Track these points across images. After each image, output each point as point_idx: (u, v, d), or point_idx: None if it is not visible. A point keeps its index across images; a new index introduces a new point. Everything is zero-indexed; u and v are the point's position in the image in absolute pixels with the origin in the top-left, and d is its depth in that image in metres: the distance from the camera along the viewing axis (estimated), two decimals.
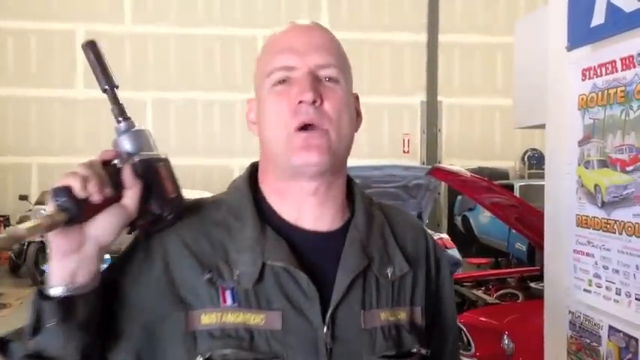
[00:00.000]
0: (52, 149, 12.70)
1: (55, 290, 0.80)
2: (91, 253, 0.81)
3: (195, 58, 12.89)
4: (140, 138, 0.89)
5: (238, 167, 12.17)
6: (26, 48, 12.60)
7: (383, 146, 13.04)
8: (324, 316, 0.87)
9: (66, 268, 0.80)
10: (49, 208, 0.78)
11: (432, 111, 13.21)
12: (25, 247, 9.43)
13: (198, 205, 0.95)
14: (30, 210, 10.05)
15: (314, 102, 0.87)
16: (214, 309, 0.86)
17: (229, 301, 0.86)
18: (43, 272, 8.40)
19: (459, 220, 12.18)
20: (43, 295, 0.80)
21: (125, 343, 0.85)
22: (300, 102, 0.87)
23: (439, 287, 1.03)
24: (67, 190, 0.77)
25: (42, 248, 9.30)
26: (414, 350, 0.94)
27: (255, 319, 0.86)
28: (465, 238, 11.06)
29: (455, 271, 4.13)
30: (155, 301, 0.87)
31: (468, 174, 4.07)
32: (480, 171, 10.25)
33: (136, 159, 0.86)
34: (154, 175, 0.87)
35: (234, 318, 0.86)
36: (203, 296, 0.87)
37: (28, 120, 12.61)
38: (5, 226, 10.76)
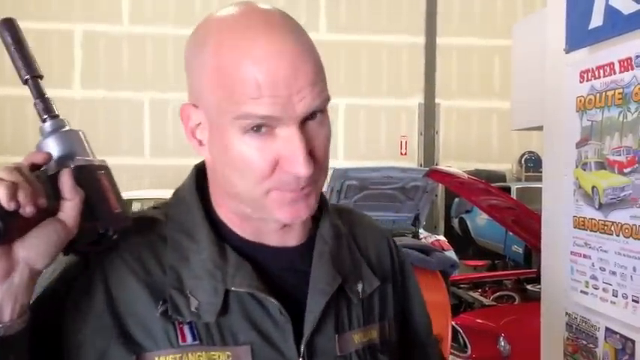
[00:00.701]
0: None
1: None
2: (21, 282, 0.63)
3: None
4: (72, 140, 0.72)
5: None
6: None
7: (380, 148, 13.04)
8: (297, 347, 0.76)
9: None
10: None
11: (429, 113, 13.22)
12: None
13: (141, 222, 0.79)
14: None
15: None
16: (171, 349, 0.72)
17: (189, 338, 0.73)
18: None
19: (455, 222, 12.19)
20: None
21: None
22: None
23: (406, 294, 0.96)
24: None
25: None
26: None
27: (220, 357, 0.73)
28: (462, 240, 11.06)
29: (451, 273, 4.13)
30: (98, 343, 0.72)
31: (466, 176, 4.08)
32: (477, 173, 10.26)
33: (72, 165, 0.69)
34: (96, 185, 0.71)
35: (195, 358, 0.72)
36: (156, 334, 0.73)
37: (25, 119, 12.58)
38: None
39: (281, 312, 0.76)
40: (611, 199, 1.82)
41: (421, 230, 6.81)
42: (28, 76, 0.75)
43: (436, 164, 12.02)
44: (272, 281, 0.78)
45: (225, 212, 0.81)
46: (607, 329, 1.89)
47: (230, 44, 0.70)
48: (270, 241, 0.81)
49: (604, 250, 1.87)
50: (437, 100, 13.27)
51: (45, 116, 0.74)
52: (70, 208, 0.66)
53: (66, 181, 0.67)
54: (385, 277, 0.90)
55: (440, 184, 6.53)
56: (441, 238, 7.43)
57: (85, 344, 0.72)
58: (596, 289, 1.92)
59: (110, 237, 0.72)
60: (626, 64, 1.77)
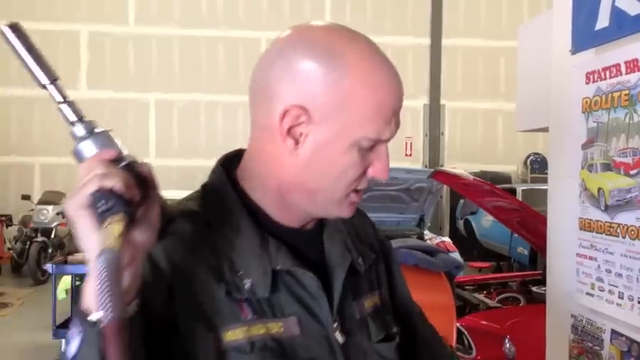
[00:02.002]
0: (55, 149, 12.70)
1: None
2: (140, 264, 0.72)
3: (199, 59, 12.91)
4: (108, 140, 0.73)
5: None
6: None
7: None
8: (331, 313, 0.89)
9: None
10: (87, 218, 0.66)
11: (434, 114, 13.20)
12: (27, 246, 9.44)
13: (187, 214, 0.87)
14: (32, 210, 10.06)
15: None
16: (237, 324, 0.82)
17: (249, 313, 0.83)
18: (45, 272, 8.41)
19: (461, 223, 12.16)
20: (86, 321, 0.68)
21: None
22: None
23: (389, 270, 1.09)
24: (112, 193, 0.66)
25: (44, 247, 9.31)
26: (395, 330, 1.00)
27: (275, 327, 0.84)
28: (467, 242, 11.04)
29: (456, 275, 4.12)
30: (184, 325, 0.80)
31: (471, 177, 4.06)
32: (482, 175, 10.24)
33: (126, 160, 0.72)
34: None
35: (257, 330, 0.82)
36: (223, 311, 0.82)
37: (31, 120, 12.62)
38: (7, 226, 10.77)
39: (317, 285, 0.87)
40: (617, 200, 1.82)
41: (426, 231, 6.80)
42: (48, 82, 0.73)
43: (441, 165, 12.01)
44: (303, 258, 0.89)
45: (265, 201, 0.89)
46: (613, 331, 1.89)
47: (371, 83, 0.82)
48: (295, 224, 0.92)
49: (610, 252, 1.86)
50: (442, 102, 13.25)
51: (74, 119, 0.74)
52: (157, 195, 0.74)
53: (148, 171, 0.73)
54: (376, 252, 1.05)
55: (445, 186, 6.51)
56: (446, 239, 7.42)
57: (174, 327, 0.80)
58: (601, 291, 1.91)
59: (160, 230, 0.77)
60: (633, 66, 1.76)
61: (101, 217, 0.65)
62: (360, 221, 1.06)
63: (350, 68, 0.81)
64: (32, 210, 10.06)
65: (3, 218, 10.78)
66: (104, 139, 0.73)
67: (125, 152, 0.74)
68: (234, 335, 0.81)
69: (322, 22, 0.87)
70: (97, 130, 0.73)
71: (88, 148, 0.72)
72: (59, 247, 9.70)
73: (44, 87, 0.73)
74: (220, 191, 0.90)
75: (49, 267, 5.95)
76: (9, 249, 10.38)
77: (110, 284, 0.62)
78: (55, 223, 9.82)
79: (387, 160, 0.86)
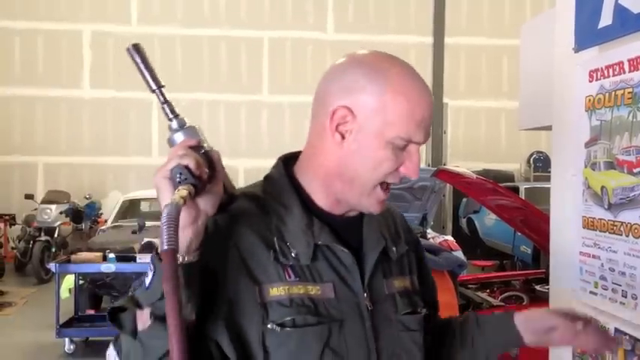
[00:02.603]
0: (58, 149, 12.73)
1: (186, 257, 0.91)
2: (202, 225, 0.93)
3: (201, 59, 12.91)
4: (195, 132, 0.96)
5: (243, 168, 12.17)
6: (33, 48, 12.64)
7: None
8: (362, 285, 1.07)
9: (185, 238, 0.90)
10: (167, 185, 0.88)
11: (437, 113, 13.18)
12: (30, 245, 9.46)
13: (248, 196, 1.09)
14: (35, 209, 10.08)
15: None
16: (281, 283, 1.02)
17: (292, 276, 1.03)
18: (48, 271, 8.42)
19: (464, 222, 12.15)
20: (156, 255, 0.90)
21: (214, 314, 0.98)
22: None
23: (421, 265, 1.27)
24: (187, 169, 0.88)
25: (47, 246, 9.33)
26: (420, 310, 1.17)
27: (313, 290, 1.03)
28: (470, 241, 11.03)
29: (460, 273, 4.11)
30: (234, 277, 1.01)
31: (474, 176, 4.06)
32: (485, 173, 10.22)
33: (206, 148, 0.95)
34: (220, 165, 0.97)
35: (297, 290, 1.02)
36: (270, 272, 1.02)
37: (34, 119, 12.65)
38: (11, 225, 10.80)
39: (352, 260, 1.07)
40: (621, 199, 1.81)
41: (429, 230, 6.79)
42: (155, 87, 0.99)
43: (444, 164, 11.99)
44: (341, 238, 1.08)
45: (315, 189, 1.10)
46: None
47: (406, 94, 1.02)
48: (339, 212, 1.12)
49: (613, 250, 1.86)
50: (445, 100, 13.23)
51: (171, 116, 0.97)
52: (221, 177, 0.96)
53: (218, 158, 0.95)
54: (409, 245, 1.23)
55: (448, 184, 6.50)
56: (449, 238, 7.40)
57: (226, 278, 1.01)
58: (605, 289, 1.91)
59: (226, 205, 0.99)
60: (636, 64, 1.75)
61: (176, 185, 0.87)
62: (397, 220, 1.25)
63: (390, 81, 1.01)
64: (35, 209, 10.08)
65: (6, 217, 10.81)
66: (191, 131, 0.96)
67: (206, 143, 0.95)
68: (277, 291, 1.01)
69: (368, 50, 1.08)
70: (187, 125, 0.97)
71: (179, 137, 0.95)
72: (62, 246, 9.73)
73: (153, 91, 0.99)
74: (278, 181, 1.11)
75: (52, 266, 5.97)
76: (12, 248, 10.41)
77: (169, 226, 0.82)
78: (59, 223, 9.85)
79: (418, 161, 1.04)
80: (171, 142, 0.96)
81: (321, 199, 1.10)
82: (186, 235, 0.90)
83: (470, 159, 12.64)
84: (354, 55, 1.08)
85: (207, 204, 0.92)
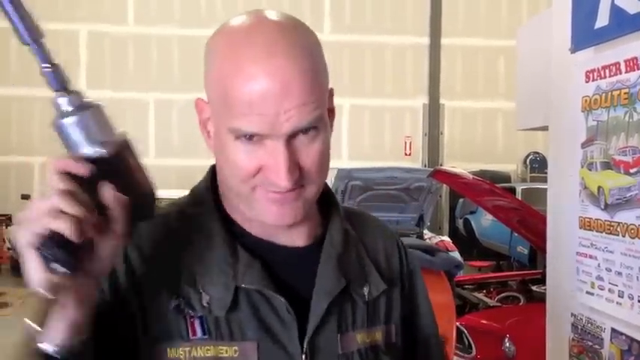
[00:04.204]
0: (55, 149, 12.65)
1: (50, 347, 0.66)
2: (92, 293, 0.69)
3: (198, 59, 12.76)
4: (94, 121, 0.65)
5: None
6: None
7: (385, 148, 13.03)
8: (301, 344, 0.80)
9: (68, 321, 0.65)
10: (34, 258, 0.61)
11: (434, 114, 13.20)
12: None
13: (161, 219, 0.83)
14: None
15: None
16: (182, 342, 0.77)
17: (199, 332, 0.77)
18: None
19: (460, 222, 12.16)
20: (36, 351, 0.68)
21: None
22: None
23: (414, 301, 0.98)
24: (57, 240, 0.60)
25: None
26: None
27: (227, 351, 0.77)
28: (467, 241, 11.04)
29: (456, 274, 4.12)
30: (124, 327, 0.77)
31: (470, 176, 4.06)
32: (482, 174, 10.23)
33: (97, 155, 0.65)
34: (124, 171, 0.69)
35: (204, 352, 0.77)
36: (169, 327, 0.77)
37: (31, 119, 12.61)
38: (7, 226, 10.77)
39: (288, 310, 0.79)
40: (617, 199, 1.82)
41: (425, 231, 6.79)
42: (31, 40, 0.65)
43: (440, 165, 12.00)
44: (280, 280, 0.82)
45: (235, 210, 0.85)
46: (613, 330, 1.89)
47: (230, 60, 0.75)
48: (279, 240, 0.85)
49: (610, 250, 1.86)
50: (441, 101, 13.25)
51: (58, 88, 0.66)
52: (119, 217, 0.68)
53: (109, 197, 0.67)
54: (393, 281, 0.93)
55: (444, 185, 6.51)
56: (446, 238, 7.41)
57: (116, 326, 0.76)
58: (601, 289, 1.91)
59: (136, 222, 0.71)
60: (632, 64, 1.76)
61: (46, 261, 0.60)
62: (384, 246, 0.96)
63: (217, 59, 0.77)
64: None
65: (3, 218, 10.77)
66: (88, 120, 0.64)
67: (111, 133, 0.67)
68: (174, 353, 0.77)
69: (239, 14, 0.82)
70: (83, 111, 0.64)
71: (72, 128, 0.64)
72: None
73: (28, 44, 0.66)
74: (202, 198, 0.86)
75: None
76: (9, 249, 10.38)
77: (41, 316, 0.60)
78: None
79: (281, 161, 0.74)
80: (59, 132, 0.66)
81: (247, 223, 0.84)
82: (69, 318, 0.65)
83: (466, 160, 12.65)
84: None
85: (103, 265, 0.68)
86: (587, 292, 1.99)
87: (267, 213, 0.78)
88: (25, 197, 10.30)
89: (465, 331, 3.61)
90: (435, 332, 1.02)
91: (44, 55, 0.67)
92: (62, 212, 0.61)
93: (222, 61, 0.76)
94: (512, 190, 9.64)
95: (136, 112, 12.63)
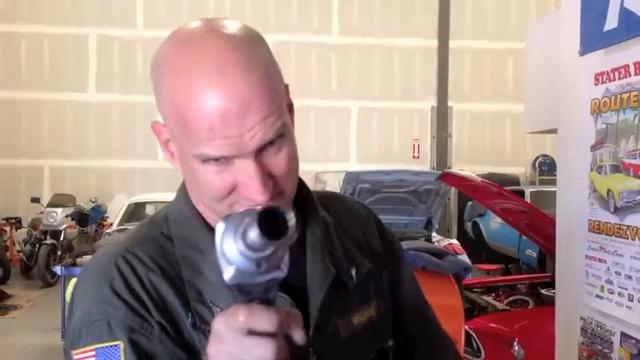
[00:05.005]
0: (64, 152, 12.77)
1: None
2: None
3: None
4: (280, 250, 0.60)
5: None
6: (39, 52, 12.70)
7: (393, 151, 13.02)
8: (307, 336, 0.82)
9: None
10: None
11: (442, 116, 13.18)
12: (36, 248, 9.49)
13: (153, 242, 0.84)
14: (41, 212, 10.11)
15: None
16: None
17: None
18: (54, 274, 8.45)
19: (469, 225, 12.12)
20: None
21: None
22: None
23: (397, 268, 1.01)
24: None
25: (53, 250, 9.36)
26: (390, 344, 0.94)
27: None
28: (475, 244, 10.99)
29: (465, 277, 4.10)
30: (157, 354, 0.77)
31: (479, 179, 4.05)
32: (490, 177, 10.20)
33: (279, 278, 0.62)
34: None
35: None
36: (193, 344, 0.79)
37: (40, 123, 12.70)
38: (17, 229, 10.84)
39: (292, 306, 0.81)
40: (627, 202, 1.81)
41: (434, 234, 6.78)
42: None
43: (449, 167, 11.98)
44: None
45: (213, 219, 0.83)
46: (622, 334, 1.87)
47: (182, 82, 0.73)
48: None
49: (619, 254, 1.85)
50: (449, 103, 13.23)
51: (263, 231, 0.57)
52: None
53: (300, 338, 0.65)
54: (377, 257, 0.97)
55: (453, 188, 6.50)
56: (454, 241, 7.40)
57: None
58: (611, 293, 1.90)
59: None
60: None
61: None
62: (360, 224, 0.99)
63: (165, 79, 0.75)
64: (41, 212, 10.11)
65: (12, 221, 10.84)
66: (271, 260, 0.58)
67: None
68: None
69: (186, 24, 0.81)
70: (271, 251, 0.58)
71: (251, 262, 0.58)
72: (68, 249, 9.75)
73: None
74: (185, 214, 0.86)
75: (58, 269, 5.99)
76: (18, 251, 10.44)
77: None
78: (64, 226, 9.87)
79: (254, 178, 0.73)
80: (230, 255, 0.59)
81: None
82: None
83: (475, 162, 12.62)
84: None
85: None
86: (597, 296, 1.97)
87: None
88: (35, 200, 10.37)
89: (474, 335, 3.60)
90: (421, 297, 1.05)
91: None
92: None
93: (173, 83, 0.74)
94: (521, 193, 9.60)
95: (145, 115, 12.68)
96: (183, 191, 0.88)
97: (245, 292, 0.61)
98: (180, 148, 0.78)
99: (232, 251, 0.58)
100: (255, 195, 0.74)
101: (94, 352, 0.76)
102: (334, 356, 0.85)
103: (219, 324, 0.62)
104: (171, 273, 0.81)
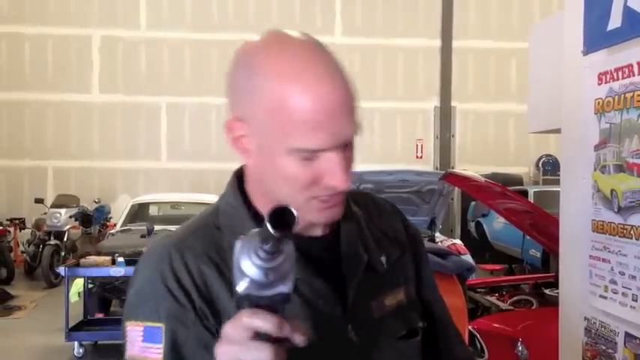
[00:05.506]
0: (68, 153, 12.80)
1: None
2: None
3: (210, 63, 12.95)
4: (285, 265, 0.68)
5: None
6: (43, 53, 12.72)
7: (396, 151, 13.01)
8: (344, 316, 0.92)
9: None
10: None
11: (445, 116, 13.16)
12: (40, 249, 9.51)
13: (204, 232, 0.92)
14: (45, 213, 10.13)
15: None
16: None
17: None
18: (57, 275, 8.46)
19: (472, 225, 12.10)
20: None
21: None
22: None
23: (419, 261, 1.09)
24: None
25: (57, 250, 9.38)
26: (420, 325, 1.02)
27: None
28: (479, 244, 10.97)
29: (468, 277, 4.10)
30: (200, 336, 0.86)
31: (482, 179, 4.05)
32: (493, 177, 10.18)
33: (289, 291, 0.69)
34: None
35: None
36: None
37: (44, 124, 12.72)
38: (21, 229, 10.86)
39: (330, 291, 0.91)
40: (631, 202, 1.80)
41: (437, 234, 6.77)
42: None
43: (452, 167, 11.96)
44: (314, 266, 0.92)
45: (261, 208, 0.92)
46: (627, 334, 1.87)
47: (292, 81, 0.81)
48: (305, 232, 0.94)
49: (623, 254, 1.85)
50: (453, 103, 13.20)
51: (272, 249, 0.66)
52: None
53: (302, 342, 0.70)
54: (402, 246, 1.05)
55: (456, 188, 6.49)
56: (458, 241, 7.38)
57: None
58: (615, 293, 1.90)
59: None
60: None
61: None
62: (388, 218, 1.07)
63: (270, 75, 0.81)
64: (45, 213, 10.13)
65: (16, 222, 10.86)
66: (276, 274, 0.66)
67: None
68: None
69: (267, 31, 0.88)
70: (276, 263, 0.66)
71: (259, 276, 0.65)
72: (72, 250, 9.76)
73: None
74: (232, 204, 0.94)
75: (61, 270, 5.99)
76: (22, 252, 10.46)
77: None
78: (68, 226, 9.88)
79: (340, 168, 0.83)
80: (244, 270, 0.66)
81: None
82: None
83: (478, 162, 12.60)
84: (243, 44, 0.89)
85: None
86: (601, 296, 1.97)
87: (320, 216, 0.89)
88: (39, 201, 10.39)
89: (477, 335, 3.59)
90: (436, 291, 1.12)
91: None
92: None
93: (279, 84, 0.81)
94: (525, 193, 9.58)
95: (149, 116, 12.70)
96: (233, 184, 0.96)
97: (254, 305, 0.67)
98: (266, 142, 0.84)
99: (247, 264, 0.65)
100: (339, 183, 0.84)
101: (142, 329, 0.87)
102: (368, 332, 0.94)
103: (228, 326, 0.68)
104: (219, 261, 0.89)
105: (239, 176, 0.97)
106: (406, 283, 1.03)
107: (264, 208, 0.91)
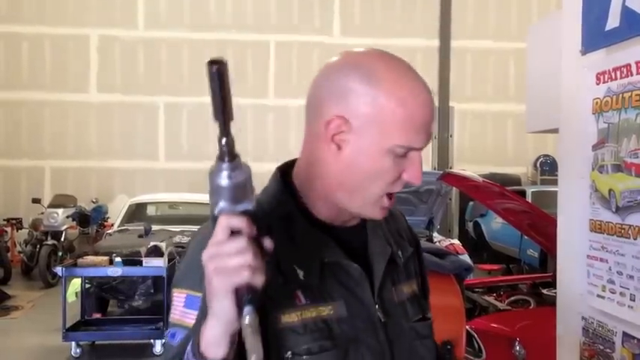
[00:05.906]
0: (65, 152, 12.78)
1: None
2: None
3: None
4: (245, 185, 0.80)
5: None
6: (40, 52, 12.71)
7: None
8: (373, 297, 1.04)
9: (232, 344, 0.82)
10: (229, 300, 0.78)
11: (443, 116, 13.14)
12: (37, 249, 9.50)
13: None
14: (42, 213, 10.11)
15: None
16: (292, 309, 0.97)
17: (303, 299, 0.98)
18: (55, 275, 8.44)
19: (470, 225, 12.11)
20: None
21: None
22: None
23: (422, 262, 1.24)
24: (252, 290, 0.79)
25: (54, 250, 9.36)
26: (429, 315, 1.15)
27: (325, 310, 0.99)
28: (477, 244, 10.99)
29: (466, 277, 4.09)
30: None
31: (480, 179, 4.04)
32: (491, 177, 10.19)
33: (252, 208, 0.80)
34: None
35: (310, 314, 0.98)
36: (280, 298, 0.96)
37: (42, 123, 12.71)
38: (18, 229, 10.84)
39: (361, 273, 1.03)
40: (628, 202, 1.80)
41: (435, 234, 6.77)
42: (221, 119, 0.82)
43: (450, 167, 11.96)
44: (346, 251, 1.04)
45: (314, 200, 1.04)
46: (624, 334, 1.87)
47: (406, 88, 0.97)
48: (339, 222, 1.06)
49: (621, 253, 1.85)
50: (451, 104, 13.19)
51: (229, 159, 0.80)
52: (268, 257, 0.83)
53: (271, 247, 0.82)
54: (411, 245, 1.20)
55: (454, 188, 6.49)
56: (456, 241, 7.38)
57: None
58: (613, 293, 1.90)
59: None
60: None
61: (239, 301, 0.78)
62: (399, 221, 1.22)
63: (384, 84, 0.96)
64: (42, 213, 10.11)
65: (13, 222, 10.84)
66: (242, 185, 0.79)
67: (253, 195, 0.80)
68: (289, 318, 0.96)
69: (365, 48, 1.04)
70: (240, 179, 0.78)
71: (228, 191, 0.78)
72: (69, 250, 9.74)
73: (217, 121, 0.83)
74: (276, 194, 1.05)
75: (58, 270, 5.98)
76: (19, 252, 10.44)
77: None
78: (65, 227, 9.87)
79: (420, 166, 0.99)
80: (216, 191, 0.79)
81: (321, 211, 1.04)
82: (229, 342, 0.82)
83: (476, 162, 12.61)
84: (347, 56, 1.03)
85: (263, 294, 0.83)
86: (598, 296, 1.97)
87: (382, 212, 1.02)
88: (36, 201, 10.37)
89: (475, 335, 3.59)
90: (428, 294, 1.25)
91: (227, 132, 0.82)
92: (257, 271, 0.78)
93: (396, 88, 0.96)
94: (523, 193, 9.60)
95: (146, 116, 12.69)
96: (278, 179, 1.06)
97: None
98: (367, 140, 0.96)
99: (218, 182, 0.78)
100: (417, 180, 0.99)
101: (184, 297, 0.98)
102: (392, 314, 1.06)
103: (211, 240, 0.79)
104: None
105: (282, 171, 1.08)
106: (417, 276, 1.18)
107: (314, 202, 1.03)
